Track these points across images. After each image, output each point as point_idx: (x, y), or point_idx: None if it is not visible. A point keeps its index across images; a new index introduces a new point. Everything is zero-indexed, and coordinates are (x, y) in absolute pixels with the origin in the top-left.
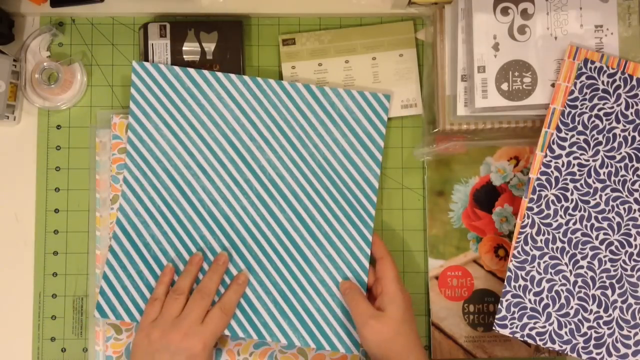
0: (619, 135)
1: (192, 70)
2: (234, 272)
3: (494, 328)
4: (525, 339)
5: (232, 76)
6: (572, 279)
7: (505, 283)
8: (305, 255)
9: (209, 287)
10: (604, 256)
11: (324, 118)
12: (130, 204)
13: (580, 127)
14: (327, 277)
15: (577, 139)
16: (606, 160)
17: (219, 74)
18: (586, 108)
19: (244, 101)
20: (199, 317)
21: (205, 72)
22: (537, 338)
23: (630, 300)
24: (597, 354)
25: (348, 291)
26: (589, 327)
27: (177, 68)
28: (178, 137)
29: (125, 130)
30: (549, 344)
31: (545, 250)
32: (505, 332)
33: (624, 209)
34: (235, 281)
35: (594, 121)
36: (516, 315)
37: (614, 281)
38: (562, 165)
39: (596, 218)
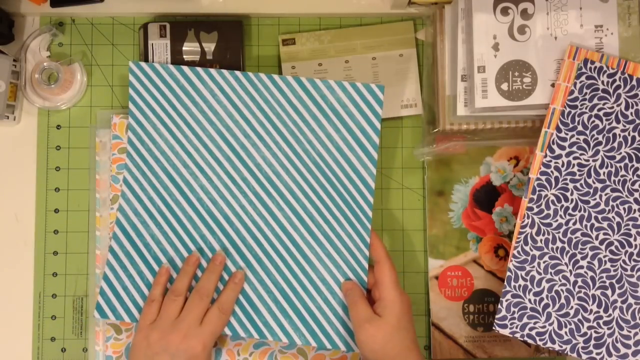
0: (619, 135)
1: (185, 68)
2: (233, 270)
3: (494, 328)
4: (525, 339)
5: (224, 72)
6: (572, 279)
7: (505, 283)
8: (304, 253)
9: (207, 288)
10: (604, 256)
11: (316, 112)
12: (130, 204)
13: (580, 127)
14: (327, 276)
15: (577, 139)
16: (606, 160)
17: (212, 70)
18: (586, 108)
19: (236, 97)
20: (197, 318)
21: (198, 69)
22: (537, 338)
23: (630, 300)
24: (597, 354)
25: (349, 292)
26: (589, 327)
27: (171, 66)
28: (175, 137)
29: (126, 130)
30: (549, 344)
31: (545, 250)
32: (505, 332)
33: (624, 209)
34: (232, 280)
35: (593, 121)
36: (516, 315)
37: (614, 281)
38: (562, 165)
39: (596, 218)
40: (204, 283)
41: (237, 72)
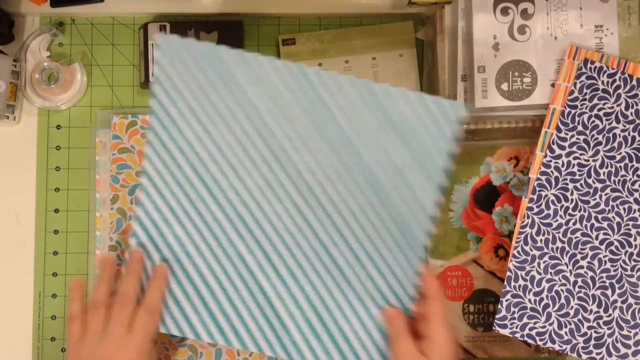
0: (619, 135)
1: (222, 48)
2: (263, 283)
3: (494, 328)
4: (525, 339)
5: (264, 58)
6: (572, 279)
7: (505, 283)
8: (343, 271)
9: (128, 292)
10: (604, 256)
11: (372, 123)
12: (151, 199)
13: (580, 127)
14: (367, 299)
15: (577, 139)
16: (606, 160)
17: (252, 54)
18: (586, 108)
19: (278, 91)
20: (124, 326)
21: (239, 50)
22: (537, 338)
23: (630, 300)
24: (597, 354)
25: (392, 320)
26: (589, 327)
27: (206, 44)
28: (205, 127)
29: (127, 127)
30: (549, 344)
31: (545, 250)
32: (505, 332)
33: (624, 209)
34: (154, 276)
35: (593, 121)
36: (516, 315)
37: (614, 281)
38: (562, 165)
39: (596, 218)
40: (123, 288)
41: (280, 61)
